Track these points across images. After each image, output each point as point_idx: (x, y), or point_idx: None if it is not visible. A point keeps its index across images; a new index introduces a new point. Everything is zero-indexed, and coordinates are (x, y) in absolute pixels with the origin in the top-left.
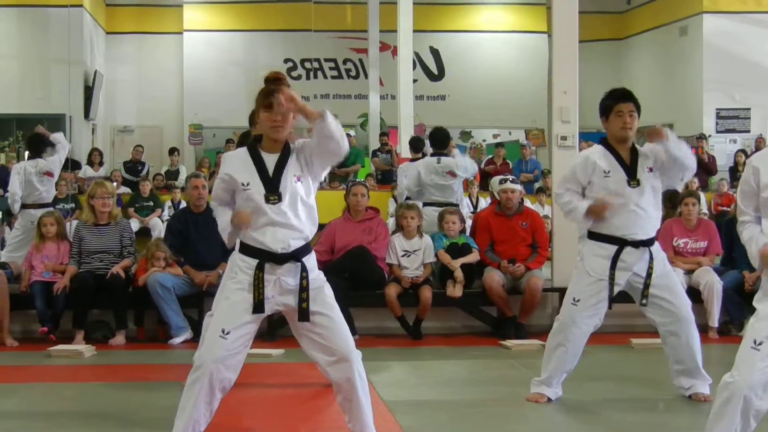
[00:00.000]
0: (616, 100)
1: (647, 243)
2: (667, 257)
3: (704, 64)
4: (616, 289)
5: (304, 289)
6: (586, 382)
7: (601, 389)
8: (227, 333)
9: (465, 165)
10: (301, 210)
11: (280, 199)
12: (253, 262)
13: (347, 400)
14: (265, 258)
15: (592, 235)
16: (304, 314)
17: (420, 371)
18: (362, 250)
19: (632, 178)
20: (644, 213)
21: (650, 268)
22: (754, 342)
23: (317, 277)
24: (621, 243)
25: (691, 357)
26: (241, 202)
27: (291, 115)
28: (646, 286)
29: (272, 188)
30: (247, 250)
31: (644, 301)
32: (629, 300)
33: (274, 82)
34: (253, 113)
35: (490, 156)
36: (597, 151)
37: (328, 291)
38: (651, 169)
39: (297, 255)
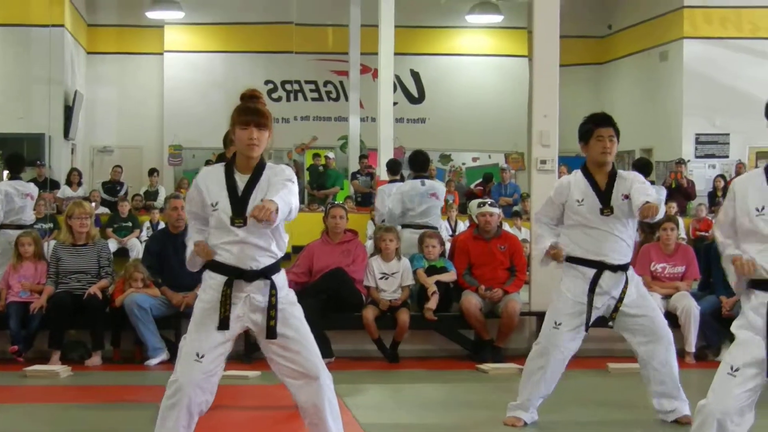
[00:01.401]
0: (597, 125)
1: (624, 267)
2: (643, 281)
3: (684, 89)
4: (595, 313)
5: (272, 306)
6: (563, 406)
7: (578, 413)
8: (201, 356)
9: (441, 188)
10: (273, 230)
11: (245, 223)
12: (222, 279)
13: (314, 424)
14: (234, 275)
15: (571, 258)
16: (271, 332)
17: (397, 394)
18: (340, 273)
19: (605, 206)
20: (619, 239)
21: (623, 291)
22: (731, 368)
23: (286, 295)
24: (599, 266)
25: (672, 376)
26: (211, 221)
27: (267, 134)
28: (616, 308)
29: (238, 211)
30: (216, 267)
31: (611, 323)
32: (606, 324)
33: (250, 100)
34: (227, 135)
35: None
36: (574, 179)
37: (298, 312)
38: (626, 197)
39: (266, 272)
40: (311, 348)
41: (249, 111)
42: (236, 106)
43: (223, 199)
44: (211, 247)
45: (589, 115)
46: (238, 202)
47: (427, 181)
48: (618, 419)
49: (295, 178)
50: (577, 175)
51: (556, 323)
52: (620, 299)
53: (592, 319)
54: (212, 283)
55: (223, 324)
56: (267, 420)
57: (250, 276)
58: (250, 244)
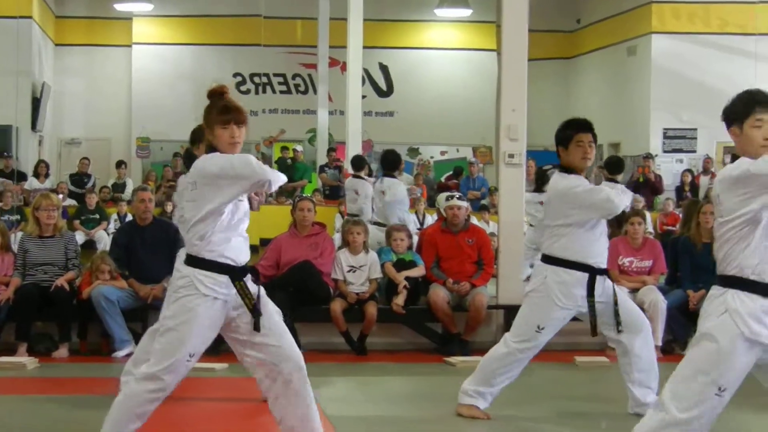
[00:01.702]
0: (577, 131)
1: (606, 271)
2: (611, 275)
3: (652, 84)
4: (572, 314)
5: (258, 299)
6: (530, 399)
7: (546, 407)
8: (192, 356)
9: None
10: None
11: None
12: (223, 278)
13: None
14: (234, 272)
15: (557, 261)
16: (258, 324)
17: (364, 387)
18: (308, 266)
19: None
20: (606, 241)
21: (615, 294)
22: (719, 389)
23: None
24: (591, 270)
25: (652, 362)
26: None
27: (245, 129)
28: (616, 312)
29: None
30: (212, 267)
31: (620, 328)
32: (574, 318)
33: (221, 96)
34: (195, 130)
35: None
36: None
37: (269, 303)
38: None
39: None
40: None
41: (228, 110)
42: (209, 104)
43: None
44: (214, 246)
45: (568, 120)
46: None
47: (386, 180)
48: (585, 412)
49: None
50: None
51: (539, 327)
52: (615, 302)
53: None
54: (208, 282)
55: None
56: (234, 412)
57: (245, 271)
58: (245, 240)
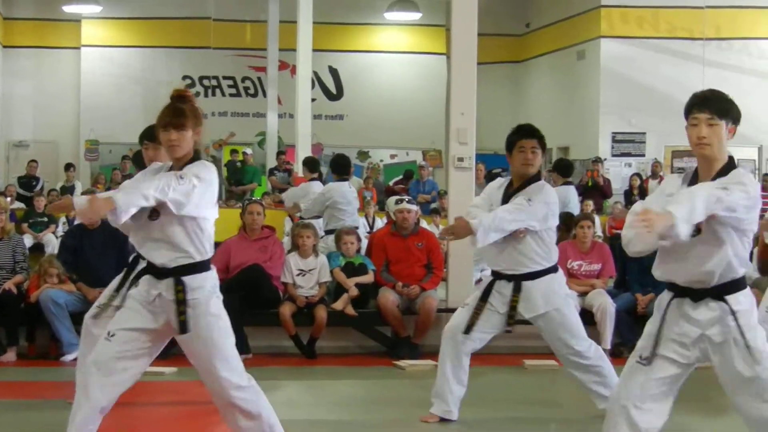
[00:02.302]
0: (520, 136)
1: (521, 278)
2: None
3: (601, 88)
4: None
5: (181, 302)
6: (480, 403)
7: (495, 410)
8: (112, 335)
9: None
10: (183, 228)
11: (157, 216)
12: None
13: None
14: (150, 272)
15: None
16: (182, 327)
17: (314, 391)
18: (257, 269)
19: None
20: (513, 248)
21: (513, 301)
22: (640, 356)
23: (199, 297)
24: (495, 275)
25: (605, 362)
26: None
27: (188, 133)
28: (511, 316)
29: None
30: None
31: (509, 329)
32: (524, 322)
33: (178, 100)
34: (143, 132)
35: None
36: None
37: (212, 316)
38: (530, 200)
39: (178, 272)
40: (220, 352)
41: (167, 113)
42: (165, 106)
43: None
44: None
45: (515, 127)
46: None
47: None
48: (534, 416)
49: (200, 175)
50: (501, 181)
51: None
52: (513, 307)
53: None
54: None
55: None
56: (183, 416)
57: (162, 274)
58: (160, 242)
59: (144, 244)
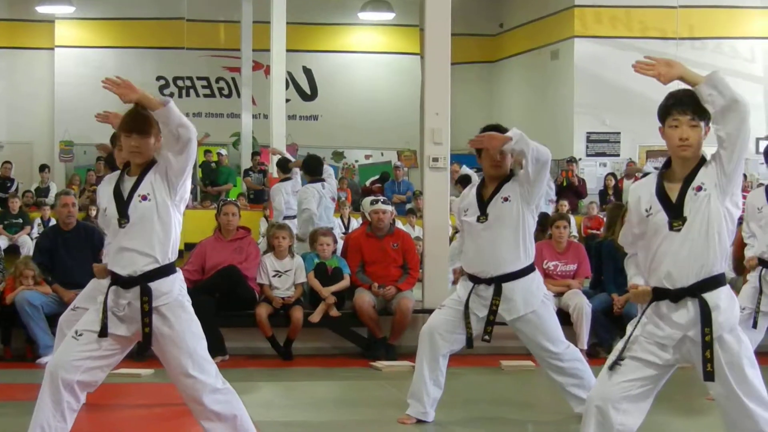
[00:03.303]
0: None
1: (499, 279)
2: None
3: (575, 88)
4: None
5: (146, 314)
6: (457, 404)
7: (472, 411)
8: (80, 334)
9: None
10: (154, 231)
11: (128, 221)
12: (107, 284)
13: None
14: (116, 282)
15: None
16: (146, 339)
17: (290, 392)
18: (233, 270)
19: (482, 214)
20: (491, 248)
21: (494, 304)
22: (618, 357)
23: (168, 302)
24: (474, 280)
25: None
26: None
27: (151, 139)
28: (490, 322)
29: (123, 212)
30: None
31: (486, 337)
32: (500, 322)
33: (143, 107)
34: (114, 135)
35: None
36: (471, 189)
37: (182, 319)
38: (506, 199)
39: (145, 279)
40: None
41: (130, 118)
42: (126, 112)
43: (111, 203)
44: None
45: (483, 127)
46: (123, 204)
47: (326, 185)
48: (511, 417)
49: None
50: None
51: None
52: (493, 312)
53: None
54: (100, 288)
55: (102, 332)
56: (159, 417)
57: (128, 283)
58: (129, 251)
59: (113, 257)
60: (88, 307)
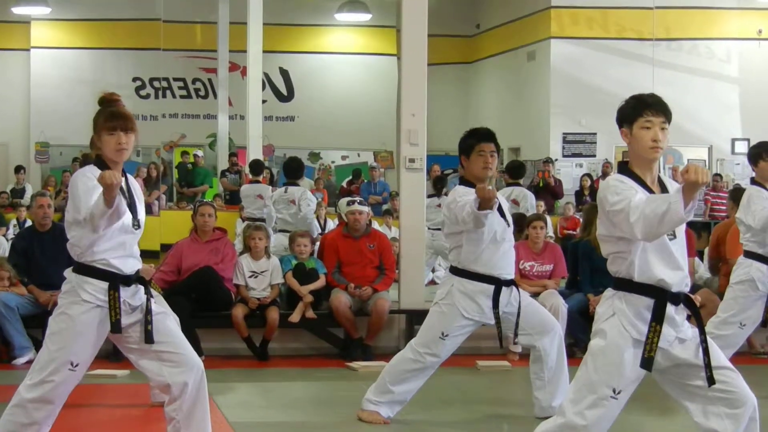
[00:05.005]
0: (479, 140)
1: (513, 281)
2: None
3: (551, 89)
4: (476, 325)
5: (149, 311)
6: (433, 404)
7: (448, 411)
8: (76, 366)
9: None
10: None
11: (139, 226)
12: (103, 284)
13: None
14: (117, 280)
15: (462, 272)
16: (149, 336)
17: (266, 393)
18: (209, 271)
19: (504, 217)
20: (510, 251)
21: (520, 305)
22: (614, 391)
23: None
24: (496, 282)
25: (562, 364)
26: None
27: (133, 137)
28: (517, 324)
29: (134, 214)
30: (95, 273)
31: (516, 340)
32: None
33: (112, 104)
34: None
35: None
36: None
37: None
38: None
39: (140, 277)
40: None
41: (115, 116)
42: (98, 111)
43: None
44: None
45: (470, 130)
46: (131, 206)
47: (289, 188)
48: (487, 416)
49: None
50: (467, 188)
51: (443, 334)
52: (518, 314)
53: None
54: (89, 288)
55: (115, 327)
56: (135, 418)
57: (131, 281)
58: (132, 248)
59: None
60: None
